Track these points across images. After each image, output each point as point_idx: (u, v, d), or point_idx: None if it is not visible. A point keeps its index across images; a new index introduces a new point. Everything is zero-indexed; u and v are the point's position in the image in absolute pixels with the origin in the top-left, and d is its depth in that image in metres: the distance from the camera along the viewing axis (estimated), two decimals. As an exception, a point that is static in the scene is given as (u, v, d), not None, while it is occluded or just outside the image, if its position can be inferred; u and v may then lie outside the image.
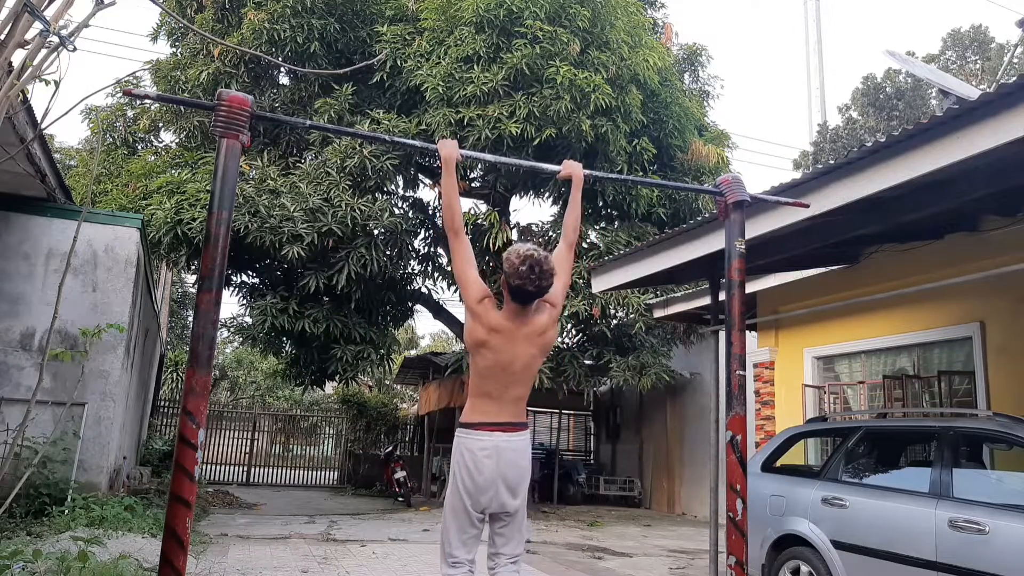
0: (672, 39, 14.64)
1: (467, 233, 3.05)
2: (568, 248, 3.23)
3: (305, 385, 13.40)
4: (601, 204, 12.75)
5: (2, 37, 2.98)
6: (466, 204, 13.51)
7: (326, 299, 11.67)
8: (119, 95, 12.80)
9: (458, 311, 14.90)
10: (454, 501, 2.90)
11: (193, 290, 24.44)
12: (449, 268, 13.68)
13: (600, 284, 8.02)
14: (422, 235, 13.73)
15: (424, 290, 14.00)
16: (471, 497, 2.84)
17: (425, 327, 54.22)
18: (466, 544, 2.91)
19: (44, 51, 3.15)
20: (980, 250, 6.22)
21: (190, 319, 23.76)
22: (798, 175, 5.09)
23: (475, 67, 11.00)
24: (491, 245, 11.27)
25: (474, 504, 2.85)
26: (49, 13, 3.05)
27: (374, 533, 9.80)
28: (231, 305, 68.13)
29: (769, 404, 9.24)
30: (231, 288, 13.15)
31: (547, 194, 13.42)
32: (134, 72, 15.45)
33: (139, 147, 13.64)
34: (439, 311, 14.33)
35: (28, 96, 4.77)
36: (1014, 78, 3.64)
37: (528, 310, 2.94)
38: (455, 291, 14.03)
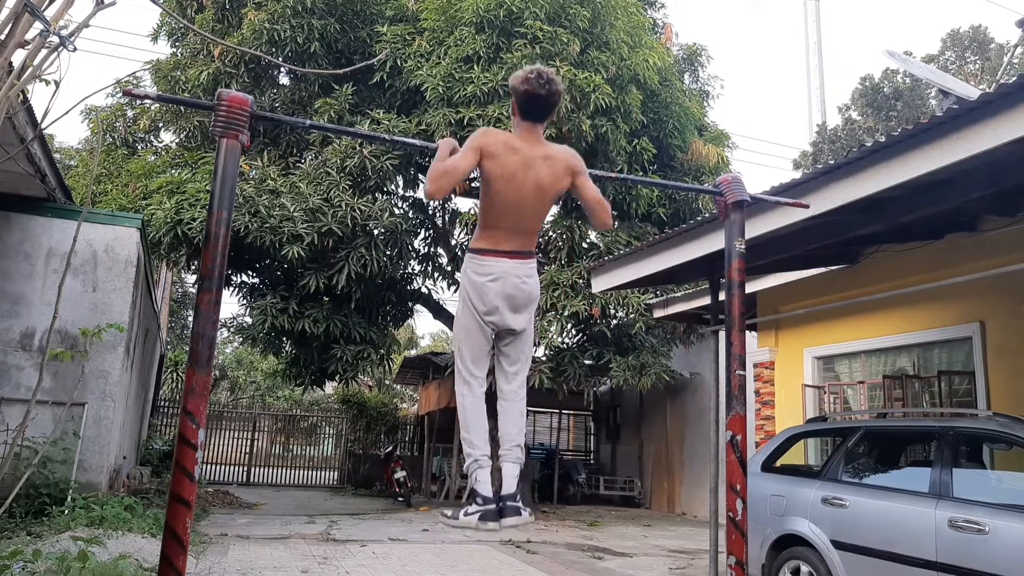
0: (672, 39, 14.64)
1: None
2: (603, 207, 3.03)
3: (305, 385, 13.40)
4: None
5: (2, 37, 2.99)
6: (466, 204, 13.52)
7: (326, 299, 11.67)
8: (119, 95, 12.80)
9: (458, 311, 14.88)
10: (465, 321, 2.96)
11: (193, 290, 24.45)
12: (449, 268, 13.70)
13: (600, 284, 8.02)
14: (422, 235, 13.74)
15: (424, 290, 14.00)
16: (479, 315, 2.91)
17: (425, 327, 54.25)
18: (478, 361, 2.98)
19: (44, 51, 3.15)
20: (980, 250, 6.23)
21: (190, 319, 23.77)
22: (798, 175, 5.10)
23: (475, 67, 11.00)
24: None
25: (483, 320, 2.92)
26: (49, 13, 3.05)
27: (374, 533, 9.81)
28: (231, 305, 68.09)
29: (769, 404, 9.24)
30: (231, 288, 13.15)
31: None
32: (134, 72, 15.47)
33: (139, 147, 13.64)
34: (439, 311, 14.33)
35: (28, 96, 4.78)
36: (1014, 78, 3.64)
37: (540, 137, 2.89)
38: (455, 291, 14.03)
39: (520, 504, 2.77)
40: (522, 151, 2.81)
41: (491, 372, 3.05)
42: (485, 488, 2.77)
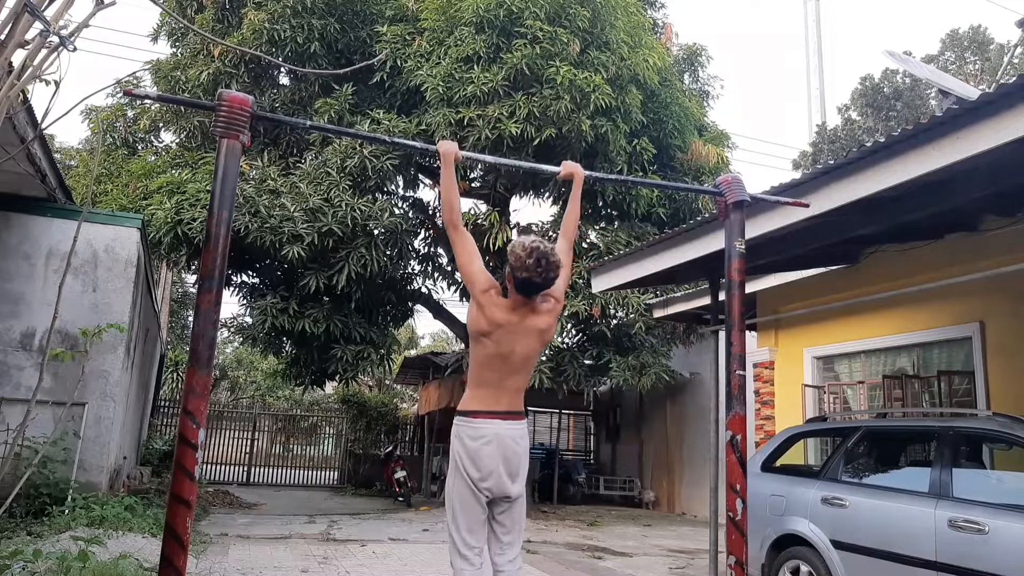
0: (672, 39, 14.64)
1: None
2: (568, 244, 3.25)
3: (305, 385, 13.40)
4: (601, 204, 12.75)
5: (2, 37, 2.98)
6: (466, 204, 13.52)
7: (326, 299, 11.67)
8: (119, 95, 12.81)
9: (458, 311, 14.91)
10: (458, 489, 2.92)
11: (193, 290, 24.44)
12: (449, 268, 13.70)
13: (600, 284, 8.03)
14: (422, 235, 13.73)
15: (424, 290, 14.00)
16: (474, 483, 2.88)
17: (425, 327, 54.21)
18: (474, 531, 2.93)
19: (44, 51, 3.15)
20: (980, 250, 6.23)
21: (190, 319, 23.75)
22: (798, 175, 5.10)
23: (475, 67, 11.00)
24: (491, 245, 11.29)
25: (478, 488, 2.89)
26: (49, 13, 3.05)
27: (374, 533, 9.81)
28: (231, 305, 68.08)
29: (769, 404, 9.24)
30: (231, 288, 13.14)
31: (547, 194, 13.42)
32: (134, 72, 15.46)
33: (139, 147, 13.63)
34: (439, 311, 14.33)
35: (28, 96, 4.78)
36: (1013, 78, 3.64)
37: (532, 302, 2.97)
38: (455, 291, 14.03)
39: None
40: (513, 321, 2.92)
41: None
42: None
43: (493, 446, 2.86)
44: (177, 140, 13.50)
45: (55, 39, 3.04)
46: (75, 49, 3.09)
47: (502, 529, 2.99)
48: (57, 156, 11.99)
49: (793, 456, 6.60)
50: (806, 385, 8.71)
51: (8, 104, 3.22)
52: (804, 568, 5.38)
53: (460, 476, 2.90)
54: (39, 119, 5.25)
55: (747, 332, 4.84)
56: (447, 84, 11.04)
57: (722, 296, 6.77)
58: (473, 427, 2.89)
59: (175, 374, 21.12)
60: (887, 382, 7.61)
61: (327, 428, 21.41)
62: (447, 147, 2.99)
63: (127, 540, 6.41)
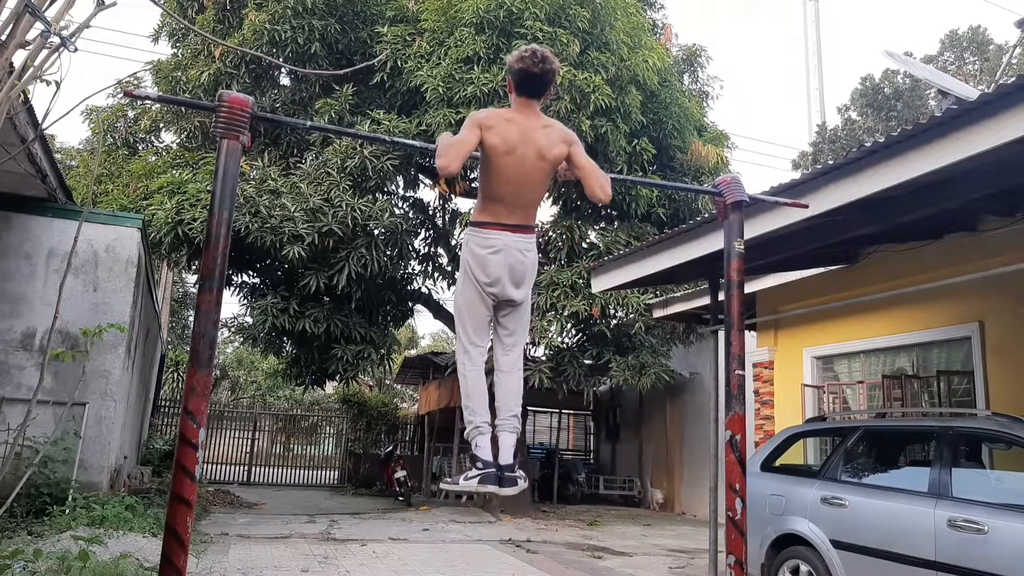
0: (672, 40, 14.65)
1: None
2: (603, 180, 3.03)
3: (305, 385, 13.41)
4: (602, 204, 12.74)
5: (3, 38, 2.99)
6: (466, 204, 13.53)
7: (326, 299, 11.68)
8: (120, 96, 12.82)
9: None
10: (467, 292, 3.03)
11: (194, 290, 24.45)
12: (449, 268, 13.71)
13: (600, 284, 8.03)
14: (422, 235, 13.74)
15: (424, 290, 14.01)
16: (481, 286, 2.98)
17: (425, 327, 54.23)
18: (479, 331, 3.06)
19: (45, 52, 3.16)
20: (979, 250, 6.23)
21: (191, 319, 23.78)
22: (797, 175, 5.10)
23: (475, 68, 11.01)
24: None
25: (484, 291, 3.00)
26: (50, 14, 3.06)
27: (374, 532, 9.81)
28: (232, 305, 68.07)
29: (768, 404, 9.25)
30: (232, 288, 13.16)
31: (547, 194, 13.42)
32: (135, 73, 15.47)
33: (140, 147, 13.65)
34: (439, 311, 14.34)
35: (29, 96, 4.79)
36: (1012, 79, 3.65)
37: (536, 111, 2.98)
38: (455, 290, 14.04)
39: (517, 475, 2.88)
40: (519, 122, 2.91)
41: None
42: (485, 453, 2.88)
43: (501, 255, 2.94)
44: (178, 140, 13.51)
45: (56, 40, 3.05)
46: (76, 50, 3.10)
47: (505, 331, 3.11)
48: (58, 156, 12.00)
49: (793, 456, 6.60)
50: (805, 385, 8.71)
51: (9, 104, 3.23)
52: (804, 568, 5.39)
53: (468, 280, 3.01)
54: (40, 119, 5.26)
55: (747, 332, 4.85)
56: (447, 84, 11.05)
57: (721, 296, 6.77)
58: (482, 236, 2.96)
59: (176, 374, 21.12)
60: (886, 382, 7.61)
61: (327, 428, 21.42)
62: (447, 137, 3.00)
63: (127, 540, 6.42)
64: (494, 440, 2.94)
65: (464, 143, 2.80)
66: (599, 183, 2.95)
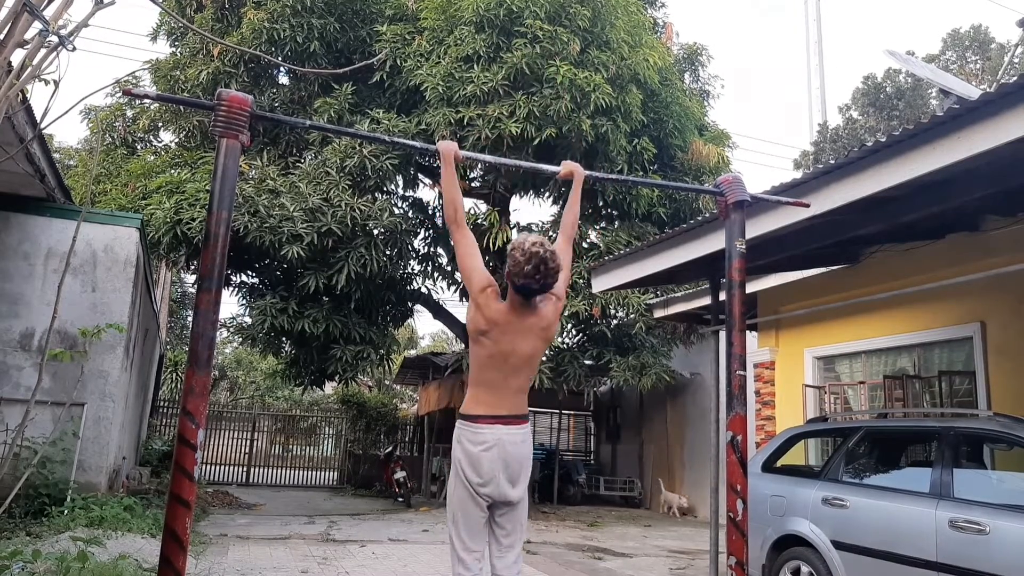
0: (672, 39, 14.64)
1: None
2: (567, 242, 3.23)
3: (305, 385, 13.39)
4: (601, 204, 12.74)
5: (1, 36, 2.98)
6: (466, 204, 13.49)
7: (326, 299, 11.67)
8: (118, 95, 12.80)
9: (458, 311, 14.90)
10: (459, 493, 2.91)
11: (193, 290, 24.44)
12: (449, 268, 13.70)
13: (600, 284, 8.02)
14: (422, 235, 13.72)
15: (424, 290, 13.99)
16: (473, 487, 2.87)
17: (425, 327, 54.27)
18: (474, 535, 2.92)
19: (43, 51, 3.14)
20: (981, 250, 6.22)
21: (190, 319, 23.72)
22: (798, 175, 5.09)
23: (475, 67, 11.00)
24: (491, 245, 11.29)
25: (477, 492, 2.88)
26: (48, 13, 3.04)
27: (374, 533, 9.80)
28: (231, 305, 68.13)
29: (769, 404, 9.24)
30: (230, 288, 13.14)
31: (547, 194, 13.42)
32: (133, 72, 15.44)
33: (138, 147, 13.63)
34: (439, 311, 14.33)
35: (27, 96, 4.77)
36: (1014, 78, 3.64)
37: (532, 303, 2.94)
38: (455, 291, 14.03)
39: None
40: (513, 321, 2.88)
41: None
42: None
43: (494, 451, 2.83)
44: (176, 140, 13.49)
45: (54, 39, 3.03)
46: (74, 49, 3.08)
47: (502, 532, 2.97)
48: (56, 156, 11.99)
49: (794, 456, 6.59)
50: (807, 385, 8.70)
51: (7, 104, 3.21)
52: (805, 568, 5.37)
53: (460, 480, 2.89)
54: (38, 119, 5.24)
55: (748, 332, 4.83)
56: (447, 83, 11.03)
57: (722, 296, 6.76)
58: (474, 431, 2.86)
59: (174, 374, 21.12)
60: (888, 382, 7.60)
61: (327, 428, 21.41)
62: (447, 147, 2.98)
63: (126, 540, 6.40)
64: None
65: (475, 251, 3.00)
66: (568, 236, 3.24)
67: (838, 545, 5.10)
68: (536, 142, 10.66)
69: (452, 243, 2.92)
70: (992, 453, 5.59)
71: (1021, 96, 3.65)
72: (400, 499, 14.11)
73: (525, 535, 3.09)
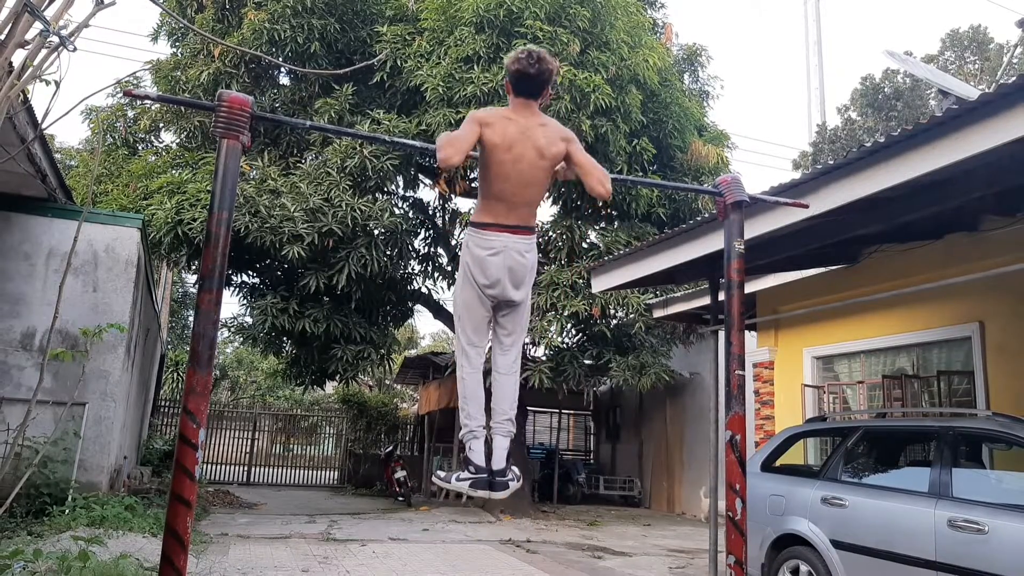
0: (672, 39, 14.64)
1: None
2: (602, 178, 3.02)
3: (305, 385, 13.41)
4: (601, 204, 12.75)
5: (2, 37, 2.99)
6: (466, 204, 13.53)
7: (326, 299, 11.68)
8: (119, 95, 12.80)
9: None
10: (465, 293, 3.05)
11: (194, 290, 24.45)
12: (449, 268, 13.71)
13: (600, 284, 8.03)
14: (422, 235, 13.74)
15: (424, 290, 14.01)
16: (480, 287, 2.99)
17: (425, 327, 54.24)
18: (478, 331, 3.08)
19: (44, 51, 3.16)
20: (979, 250, 6.23)
21: (191, 319, 23.78)
22: (797, 175, 5.10)
23: (475, 67, 11.01)
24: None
25: (483, 292, 3.01)
26: (49, 13, 3.05)
27: (374, 533, 9.81)
28: (231, 305, 68.11)
29: (769, 404, 9.25)
30: (231, 288, 13.15)
31: (547, 194, 13.42)
32: (134, 72, 15.46)
33: (140, 147, 13.64)
34: (439, 311, 14.34)
35: (28, 96, 4.78)
36: (1013, 78, 3.65)
37: (534, 110, 2.98)
38: (454, 291, 14.03)
39: (508, 478, 2.92)
40: (518, 121, 2.92)
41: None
42: (478, 458, 2.92)
43: (500, 256, 2.94)
44: (177, 140, 13.50)
45: (55, 39, 3.05)
46: (75, 49, 3.09)
47: (504, 331, 3.13)
48: (57, 156, 11.99)
49: (793, 456, 6.60)
50: (806, 385, 8.71)
51: (8, 104, 3.22)
52: (804, 568, 5.38)
53: (468, 282, 3.02)
54: (39, 119, 5.26)
55: (747, 332, 4.85)
56: (447, 84, 11.05)
57: (722, 296, 6.76)
58: (482, 237, 2.96)
59: (175, 374, 21.13)
60: (887, 382, 7.61)
61: (327, 428, 21.42)
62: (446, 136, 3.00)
63: (127, 540, 6.42)
64: (488, 443, 2.96)
65: (465, 137, 2.81)
66: (599, 179, 2.93)
67: (837, 544, 5.12)
68: (536, 142, 10.65)
69: (439, 152, 2.74)
70: (991, 453, 5.61)
71: (1020, 96, 3.66)
72: (400, 498, 14.13)
73: (524, 336, 3.25)
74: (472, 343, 3.08)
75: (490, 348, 3.16)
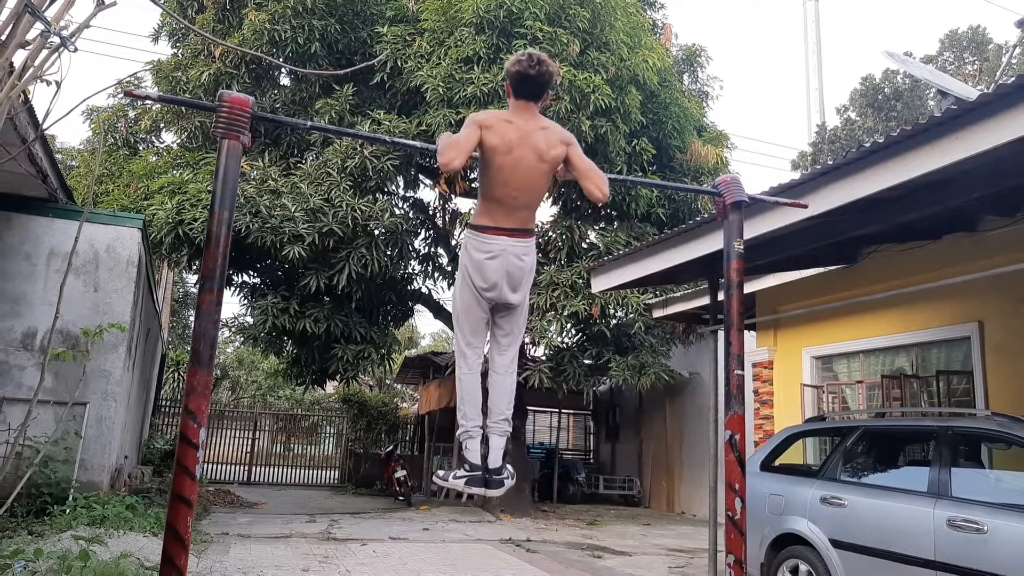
0: (671, 40, 14.65)
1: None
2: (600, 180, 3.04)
3: (306, 384, 13.42)
4: (601, 204, 12.75)
5: (3, 38, 3.00)
6: (466, 204, 13.53)
7: (327, 299, 11.69)
8: (120, 96, 12.81)
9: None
10: (464, 295, 3.08)
11: (194, 290, 24.45)
12: (449, 268, 13.71)
13: (600, 284, 8.04)
14: (422, 235, 13.74)
15: (424, 290, 14.02)
16: (478, 290, 3.03)
17: (425, 327, 54.21)
18: (475, 332, 3.12)
19: (45, 52, 3.16)
20: (979, 250, 6.24)
21: (191, 319, 23.76)
22: (797, 176, 5.11)
23: (475, 68, 11.02)
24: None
25: (481, 295, 3.04)
26: (50, 14, 3.06)
27: (375, 532, 9.82)
28: (232, 305, 68.09)
29: (768, 403, 9.26)
30: (232, 288, 13.16)
31: (547, 194, 13.43)
32: (135, 73, 15.47)
33: (140, 148, 13.65)
34: (439, 311, 14.35)
35: (29, 97, 4.79)
36: (1012, 79, 3.66)
37: (534, 113, 2.99)
38: (453, 292, 14.04)
39: (504, 476, 2.98)
40: (518, 124, 2.93)
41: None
42: (474, 456, 2.96)
43: (498, 260, 2.96)
44: (178, 141, 13.51)
45: (56, 40, 3.05)
46: (76, 50, 3.10)
47: (501, 332, 3.17)
48: (58, 156, 12.01)
49: (792, 456, 6.61)
50: (805, 385, 8.72)
51: (9, 105, 3.23)
52: (803, 567, 5.39)
53: (467, 284, 3.05)
54: (40, 119, 5.27)
55: (746, 332, 4.85)
56: (447, 85, 11.06)
57: (721, 296, 6.76)
58: (481, 240, 2.98)
59: (176, 374, 21.14)
60: (886, 382, 7.62)
61: (328, 428, 21.43)
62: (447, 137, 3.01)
63: (128, 539, 6.43)
64: (485, 441, 3.00)
65: (465, 140, 2.82)
66: (596, 183, 2.95)
67: (836, 544, 5.13)
68: (536, 143, 10.66)
69: (440, 156, 2.74)
70: (990, 452, 5.61)
71: (1019, 97, 3.66)
72: (401, 498, 14.13)
73: (522, 338, 3.29)
74: (470, 344, 3.11)
75: (489, 348, 3.19)
